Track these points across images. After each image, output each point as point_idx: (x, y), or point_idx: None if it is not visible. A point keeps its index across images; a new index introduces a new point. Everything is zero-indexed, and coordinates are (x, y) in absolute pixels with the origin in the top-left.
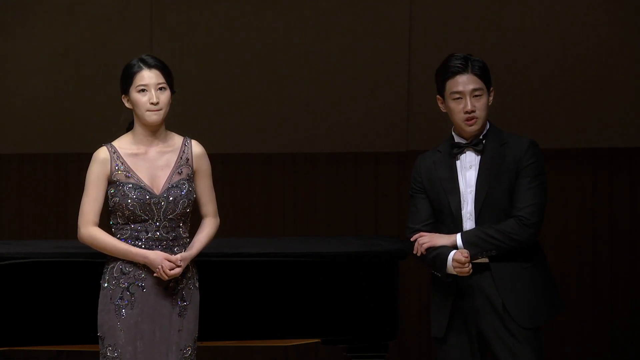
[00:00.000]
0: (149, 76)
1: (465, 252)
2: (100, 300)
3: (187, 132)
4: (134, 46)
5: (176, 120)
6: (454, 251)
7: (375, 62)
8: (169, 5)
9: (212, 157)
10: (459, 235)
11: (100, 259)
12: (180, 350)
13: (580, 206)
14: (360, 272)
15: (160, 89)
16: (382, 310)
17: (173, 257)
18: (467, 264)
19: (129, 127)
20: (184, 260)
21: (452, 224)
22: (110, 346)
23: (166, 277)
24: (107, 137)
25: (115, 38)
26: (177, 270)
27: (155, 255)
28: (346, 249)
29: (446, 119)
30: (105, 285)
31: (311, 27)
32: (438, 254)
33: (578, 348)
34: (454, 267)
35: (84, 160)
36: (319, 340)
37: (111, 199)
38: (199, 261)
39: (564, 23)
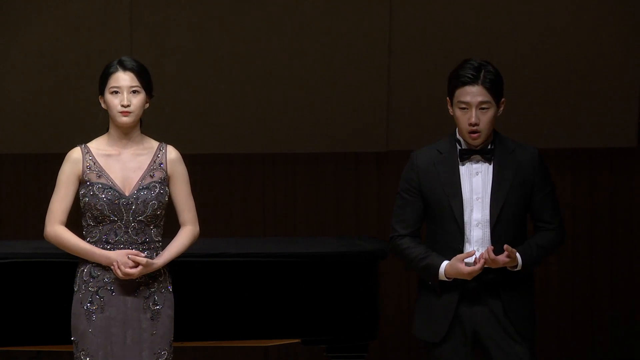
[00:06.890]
0: (122, 78)
1: (473, 253)
2: (73, 304)
3: (167, 133)
4: (113, 46)
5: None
6: (445, 262)
7: (355, 62)
8: (148, 5)
9: (192, 157)
10: (519, 257)
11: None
12: (154, 353)
13: (579, 206)
14: (341, 272)
15: (134, 92)
16: (362, 310)
17: (135, 252)
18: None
19: (108, 129)
20: (148, 267)
21: (455, 228)
22: (83, 351)
23: (121, 275)
24: (88, 138)
25: (95, 38)
26: (135, 271)
27: (116, 254)
28: (326, 249)
29: (426, 120)
30: (76, 289)
31: (291, 28)
32: (428, 266)
33: (577, 349)
34: (469, 274)
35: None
36: (299, 341)
37: (82, 199)
38: (178, 261)
39: (561, 22)
